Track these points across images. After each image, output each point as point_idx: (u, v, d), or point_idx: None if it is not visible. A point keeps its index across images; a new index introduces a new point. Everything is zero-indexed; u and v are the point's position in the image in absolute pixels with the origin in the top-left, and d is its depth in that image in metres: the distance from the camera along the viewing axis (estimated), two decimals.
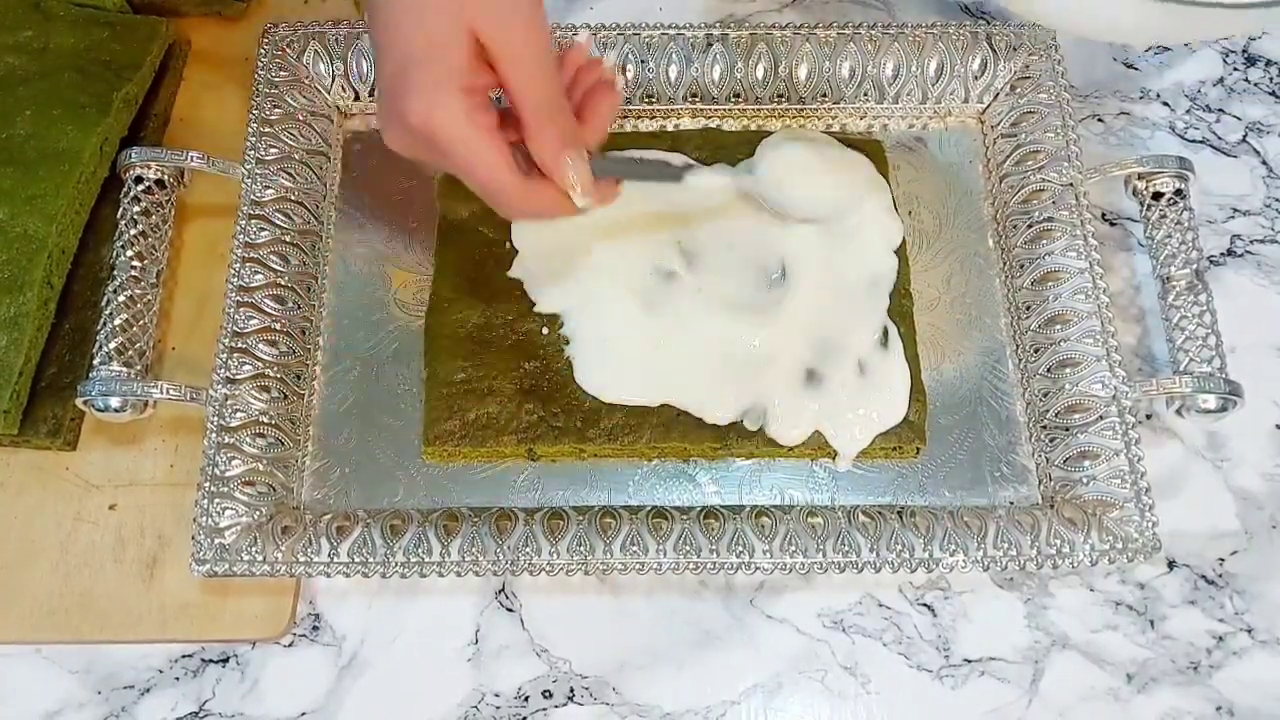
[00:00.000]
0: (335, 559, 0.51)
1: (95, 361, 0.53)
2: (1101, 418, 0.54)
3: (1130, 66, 0.68)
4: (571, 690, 0.53)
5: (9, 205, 0.55)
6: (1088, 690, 0.53)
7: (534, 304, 0.57)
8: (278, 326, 0.56)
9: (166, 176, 0.57)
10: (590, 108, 0.49)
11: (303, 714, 0.52)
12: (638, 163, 0.57)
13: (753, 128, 0.63)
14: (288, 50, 0.61)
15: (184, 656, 0.53)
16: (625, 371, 0.55)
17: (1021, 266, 0.59)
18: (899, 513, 0.53)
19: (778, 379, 0.55)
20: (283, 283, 0.57)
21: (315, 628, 0.54)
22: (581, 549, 0.52)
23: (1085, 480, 0.53)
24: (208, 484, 0.52)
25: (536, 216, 0.50)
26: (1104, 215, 0.63)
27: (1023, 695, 0.53)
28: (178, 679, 0.53)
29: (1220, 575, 0.55)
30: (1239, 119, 0.66)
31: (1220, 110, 0.67)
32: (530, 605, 0.54)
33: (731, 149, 0.61)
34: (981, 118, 0.64)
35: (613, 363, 0.55)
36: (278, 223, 0.58)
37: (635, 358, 0.55)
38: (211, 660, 0.53)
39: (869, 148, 0.61)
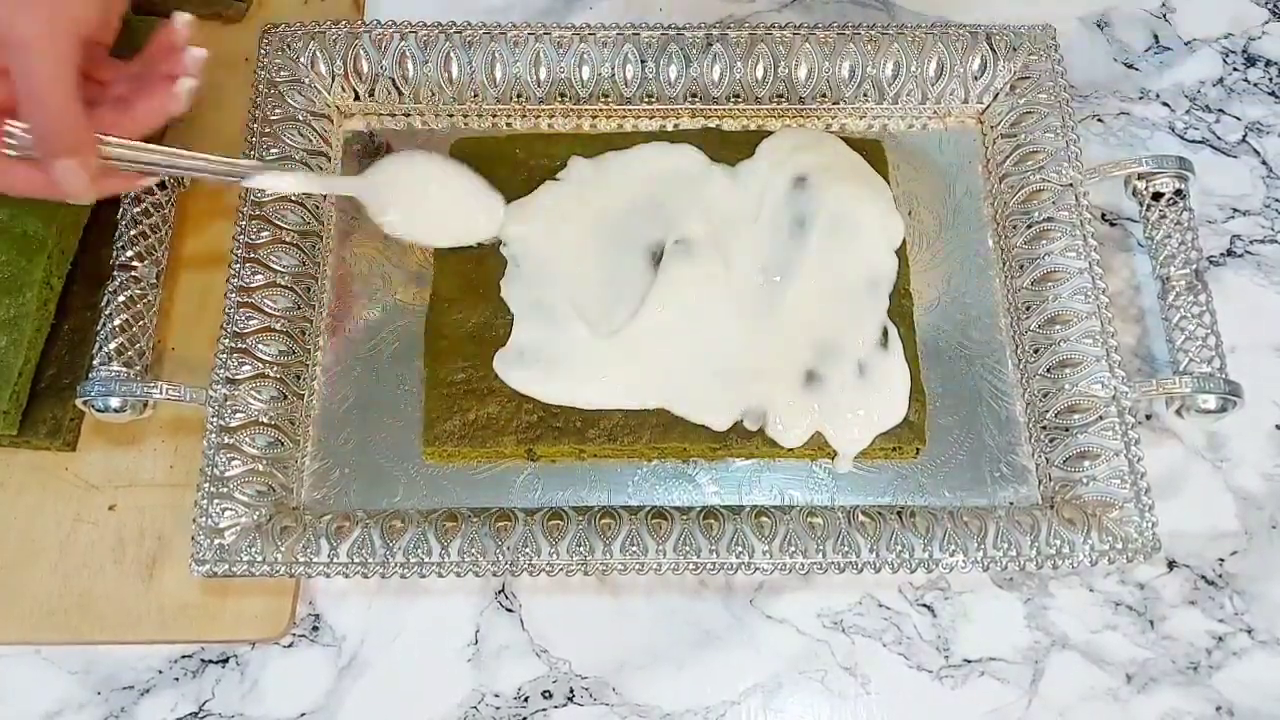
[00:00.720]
0: (335, 559, 0.51)
1: (95, 362, 0.53)
2: (1101, 418, 0.54)
3: (1130, 67, 0.68)
4: (571, 690, 0.53)
5: (9, 205, 0.55)
6: (1088, 690, 0.53)
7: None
8: (278, 326, 0.56)
9: (166, 177, 0.57)
10: (141, 98, 0.46)
11: (302, 714, 0.52)
12: (189, 157, 0.50)
13: (753, 128, 0.63)
14: (288, 50, 0.61)
15: (184, 657, 0.53)
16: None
17: (1021, 266, 0.59)
18: (899, 513, 0.53)
19: (777, 380, 0.55)
20: (283, 283, 0.57)
21: (315, 628, 0.54)
22: (581, 549, 0.52)
23: (1085, 480, 0.53)
24: (207, 484, 0.52)
25: (19, 194, 0.46)
26: (1104, 215, 0.63)
27: (1022, 695, 0.53)
28: (177, 679, 0.53)
29: (1220, 575, 0.55)
30: (1239, 119, 0.66)
31: (1220, 110, 0.67)
32: (530, 605, 0.54)
33: (731, 149, 0.61)
34: (981, 118, 0.64)
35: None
36: (278, 223, 0.58)
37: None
38: (211, 661, 0.53)
39: (869, 148, 0.61)
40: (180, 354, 0.59)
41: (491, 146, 0.61)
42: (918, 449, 0.56)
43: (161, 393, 0.53)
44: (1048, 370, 0.56)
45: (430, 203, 0.56)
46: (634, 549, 0.52)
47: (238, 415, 0.54)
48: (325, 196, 0.61)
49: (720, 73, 0.62)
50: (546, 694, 0.53)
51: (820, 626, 0.54)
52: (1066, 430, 0.55)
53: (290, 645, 0.54)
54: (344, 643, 0.54)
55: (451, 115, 0.63)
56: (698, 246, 0.57)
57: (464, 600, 0.54)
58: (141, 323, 0.55)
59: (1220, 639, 0.54)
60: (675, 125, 0.64)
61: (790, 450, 0.55)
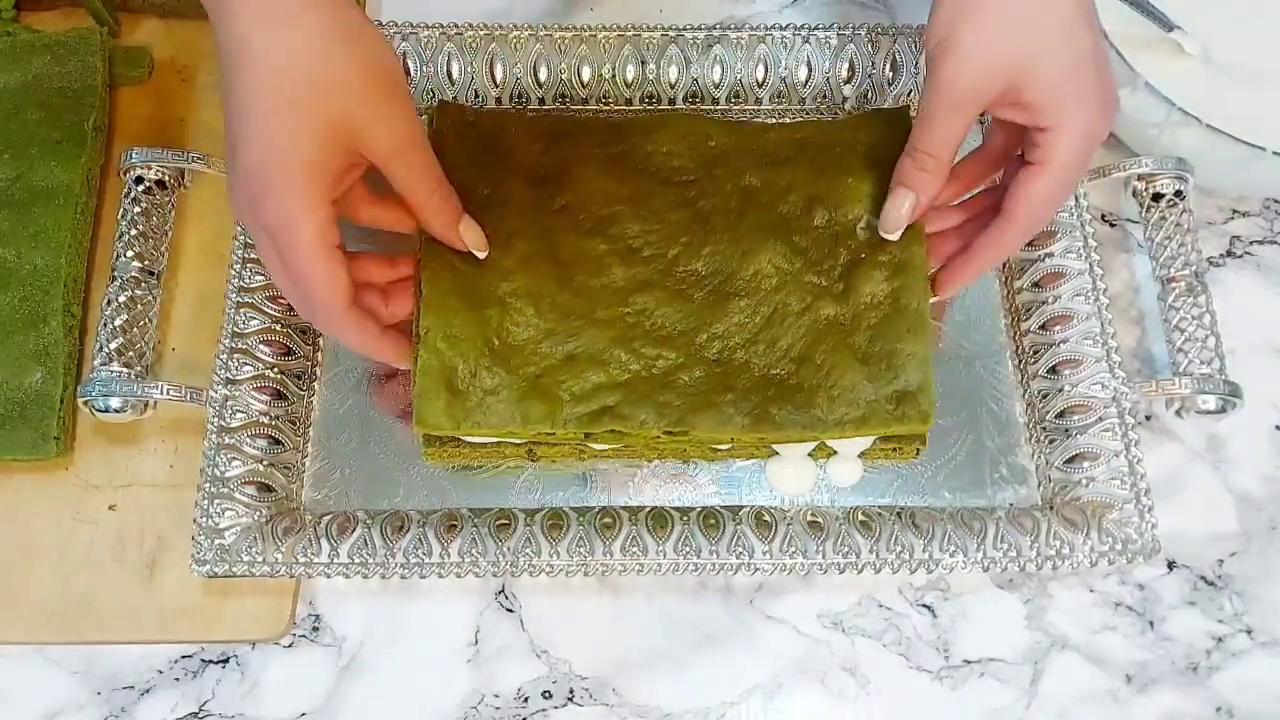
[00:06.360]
0: (335, 560, 0.51)
1: (95, 362, 0.53)
2: (1101, 419, 0.54)
3: (1131, 67, 0.68)
4: (571, 691, 0.53)
5: (13, 246, 0.56)
6: (1087, 691, 0.53)
7: None
8: (278, 327, 0.56)
9: (167, 177, 0.57)
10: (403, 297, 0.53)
11: (302, 715, 0.52)
12: None
13: None
14: None
15: (184, 657, 0.53)
16: None
17: (1021, 268, 0.59)
18: (899, 513, 0.53)
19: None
20: None
21: (315, 628, 0.54)
22: (581, 550, 0.52)
23: (1085, 481, 0.54)
24: (208, 485, 0.52)
25: (358, 349, 0.49)
26: (1104, 216, 0.63)
27: (1022, 696, 0.53)
28: (178, 680, 0.53)
29: (1220, 576, 0.55)
30: None
31: None
32: (530, 606, 0.54)
33: None
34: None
35: None
36: None
37: None
38: (211, 661, 0.53)
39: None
40: (180, 354, 0.58)
41: None
42: (918, 449, 0.56)
43: (162, 393, 0.53)
44: (1048, 371, 0.56)
45: None
46: (634, 549, 0.52)
47: (238, 416, 0.54)
48: None
49: (720, 73, 0.62)
50: (546, 694, 0.53)
51: (820, 627, 0.54)
52: (1066, 431, 0.55)
53: (290, 645, 0.54)
54: (344, 643, 0.54)
55: None
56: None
57: (464, 601, 0.54)
58: (141, 323, 0.55)
59: (1220, 640, 0.54)
60: None
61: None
